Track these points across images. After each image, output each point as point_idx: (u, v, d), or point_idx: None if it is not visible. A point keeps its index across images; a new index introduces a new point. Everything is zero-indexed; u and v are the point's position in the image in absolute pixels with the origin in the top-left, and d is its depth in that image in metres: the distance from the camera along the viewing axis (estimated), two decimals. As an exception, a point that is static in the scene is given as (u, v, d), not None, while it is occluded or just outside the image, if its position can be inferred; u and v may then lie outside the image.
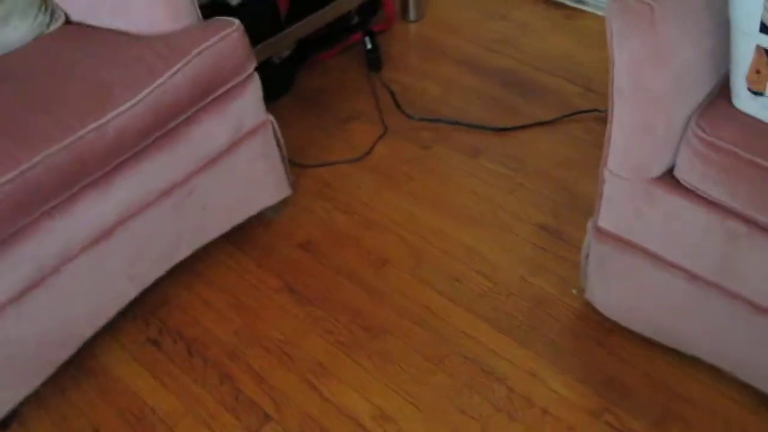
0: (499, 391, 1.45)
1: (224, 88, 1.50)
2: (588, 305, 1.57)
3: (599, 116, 2.01)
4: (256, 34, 1.68)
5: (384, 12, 2.35)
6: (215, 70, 1.47)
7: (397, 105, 2.09)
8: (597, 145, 1.94)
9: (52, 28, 1.61)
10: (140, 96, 1.37)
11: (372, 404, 1.44)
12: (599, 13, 2.36)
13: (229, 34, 1.48)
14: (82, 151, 1.31)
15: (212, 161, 1.56)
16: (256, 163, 1.65)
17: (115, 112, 1.34)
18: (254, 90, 1.57)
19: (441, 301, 1.61)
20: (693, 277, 1.33)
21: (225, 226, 1.65)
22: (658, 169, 1.28)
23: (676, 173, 1.27)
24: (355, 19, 2.29)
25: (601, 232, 1.42)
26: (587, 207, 1.78)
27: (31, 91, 1.39)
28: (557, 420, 1.40)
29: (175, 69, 1.41)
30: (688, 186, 1.25)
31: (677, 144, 1.25)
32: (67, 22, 1.63)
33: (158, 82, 1.39)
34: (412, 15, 2.41)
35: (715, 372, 1.43)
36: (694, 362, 1.45)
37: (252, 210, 1.69)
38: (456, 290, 1.63)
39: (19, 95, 1.38)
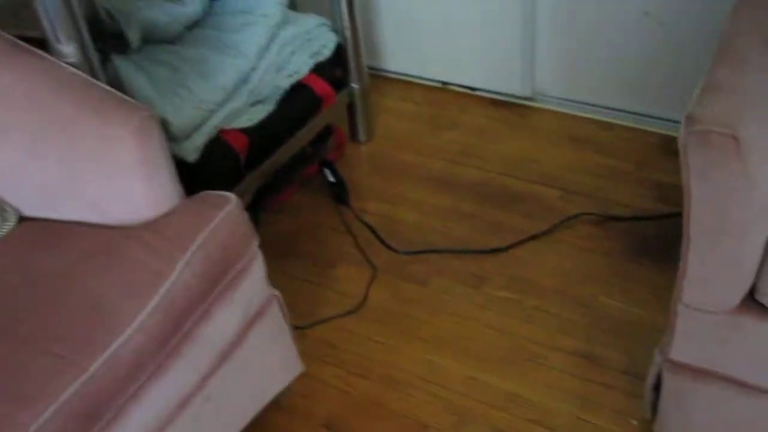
0: None
1: (233, 273, 1.31)
2: (654, 435, 1.45)
3: (589, 219, 1.94)
4: (218, 188, 1.48)
5: (334, 138, 2.21)
6: (223, 256, 1.28)
7: (381, 240, 1.94)
8: (596, 251, 1.85)
9: (5, 230, 1.37)
10: (149, 307, 1.15)
11: None
12: (550, 107, 2.32)
13: (229, 212, 1.30)
14: (93, 391, 1.08)
15: (224, 357, 1.34)
16: (267, 345, 1.45)
17: (124, 336, 1.12)
18: (259, 267, 1.38)
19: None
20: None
21: (243, 423, 1.43)
22: (740, 296, 1.19)
23: (760, 297, 1.18)
24: (308, 151, 2.14)
25: (676, 365, 1.31)
26: (614, 324, 1.67)
27: (11, 321, 1.15)
28: None
29: (181, 265, 1.20)
30: (779, 309, 1.17)
31: (758, 267, 1.16)
32: (21, 219, 1.40)
33: (166, 285, 1.18)
34: (362, 136, 2.29)
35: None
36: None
37: (268, 397, 1.48)
38: (512, 446, 1.48)
39: (-3, 331, 1.14)
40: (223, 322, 1.31)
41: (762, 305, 1.18)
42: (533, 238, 1.91)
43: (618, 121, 2.23)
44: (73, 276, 1.21)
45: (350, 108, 2.22)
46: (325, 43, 2.05)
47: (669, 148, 2.12)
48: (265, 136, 1.90)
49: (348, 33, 2.08)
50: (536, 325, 1.70)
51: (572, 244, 1.88)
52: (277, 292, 1.45)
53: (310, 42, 2.02)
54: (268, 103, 1.92)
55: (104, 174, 1.30)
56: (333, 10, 2.05)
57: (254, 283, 1.37)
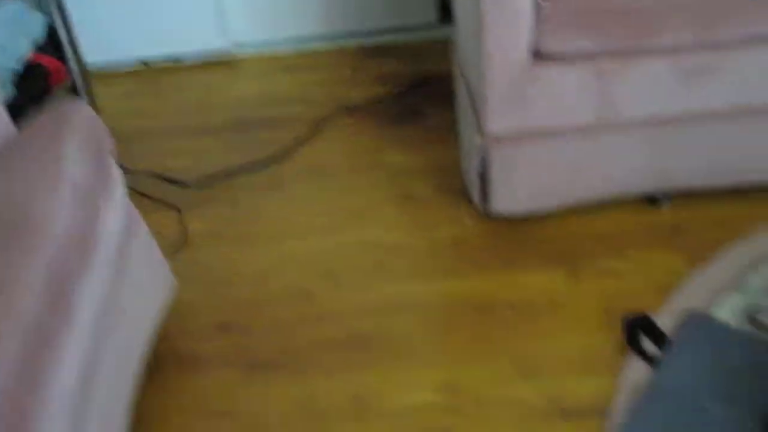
0: (508, 315, 1.53)
1: (108, 169, 1.26)
2: (486, 219, 1.73)
3: (341, 113, 2.16)
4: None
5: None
6: (97, 148, 1.24)
7: (170, 180, 1.94)
8: (361, 134, 2.10)
9: None
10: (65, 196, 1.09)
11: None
12: (256, 54, 2.50)
13: (86, 110, 1.27)
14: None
15: (120, 263, 1.28)
16: (146, 256, 1.42)
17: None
18: (120, 176, 1.33)
19: (395, 287, 1.62)
20: (583, 129, 1.59)
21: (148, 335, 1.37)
22: (526, 49, 1.49)
23: (546, 49, 1.49)
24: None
25: (496, 139, 1.58)
26: (410, 169, 1.94)
27: None
28: (574, 304, 1.54)
29: (71, 153, 1.15)
30: (560, 54, 1.50)
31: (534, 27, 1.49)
32: None
33: (66, 176, 1.12)
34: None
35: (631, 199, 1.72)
36: (607, 204, 1.71)
37: (157, 315, 1.43)
38: (390, 271, 1.66)
39: None
40: (112, 222, 1.26)
41: (543, 54, 1.51)
42: (306, 140, 2.08)
43: (318, 46, 2.49)
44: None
45: (73, 92, 2.16)
46: (36, 24, 1.98)
47: (366, 53, 2.46)
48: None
49: (57, 14, 2.03)
50: (352, 195, 1.89)
51: (340, 135, 2.10)
52: (136, 210, 1.43)
53: (22, 24, 1.94)
54: (5, 87, 1.81)
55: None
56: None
57: (122, 190, 1.34)
